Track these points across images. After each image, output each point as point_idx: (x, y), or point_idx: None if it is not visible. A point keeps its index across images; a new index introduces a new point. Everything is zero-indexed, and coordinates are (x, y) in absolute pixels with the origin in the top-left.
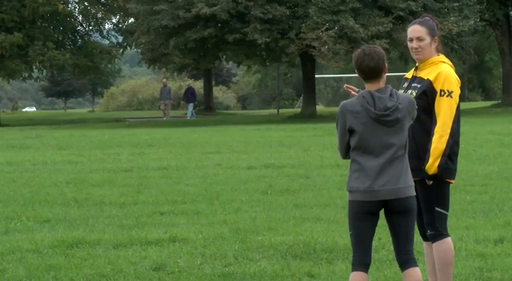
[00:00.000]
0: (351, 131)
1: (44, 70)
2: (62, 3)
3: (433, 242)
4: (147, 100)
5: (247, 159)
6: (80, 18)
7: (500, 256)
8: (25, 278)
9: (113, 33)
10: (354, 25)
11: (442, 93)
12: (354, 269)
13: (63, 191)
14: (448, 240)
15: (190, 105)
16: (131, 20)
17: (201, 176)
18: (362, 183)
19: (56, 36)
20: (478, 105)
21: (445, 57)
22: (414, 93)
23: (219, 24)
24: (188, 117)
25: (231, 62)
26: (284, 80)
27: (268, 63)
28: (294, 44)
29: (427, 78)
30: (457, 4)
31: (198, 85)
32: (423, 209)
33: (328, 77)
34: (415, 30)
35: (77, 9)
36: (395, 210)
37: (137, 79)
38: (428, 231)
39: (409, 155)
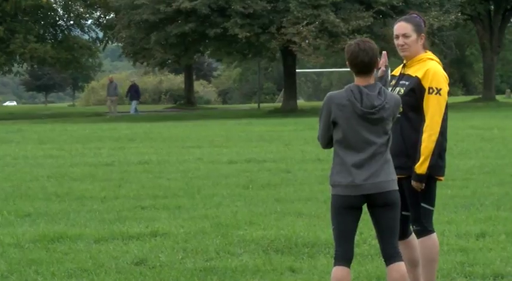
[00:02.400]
0: (334, 124)
1: (25, 64)
2: None
3: (418, 238)
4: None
5: (228, 153)
6: (61, 12)
7: (482, 251)
8: (6, 273)
9: (94, 28)
10: (334, 19)
11: (431, 90)
12: (336, 264)
13: (44, 185)
14: (434, 236)
15: (134, 103)
16: (112, 15)
17: (182, 170)
18: (344, 177)
19: (37, 30)
20: (459, 99)
21: (432, 54)
22: (402, 91)
23: (200, 19)
24: (131, 113)
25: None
26: (265, 74)
27: (249, 59)
28: (274, 39)
29: (415, 76)
30: None
31: (179, 79)
32: (409, 205)
33: (309, 72)
34: (401, 27)
35: (58, 3)
36: (378, 204)
37: (118, 73)
38: (414, 226)
39: (397, 152)
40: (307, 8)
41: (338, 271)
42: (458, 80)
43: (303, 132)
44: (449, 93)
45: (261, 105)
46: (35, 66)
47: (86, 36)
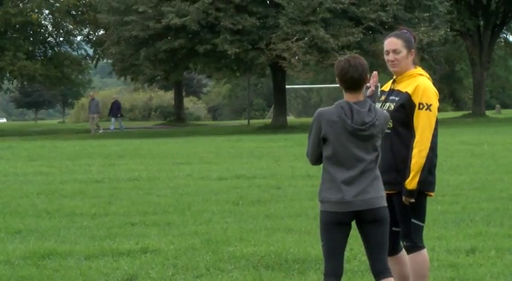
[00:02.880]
0: (324, 140)
1: (15, 81)
2: (36, 13)
3: (408, 254)
4: None
5: (218, 170)
6: (51, 29)
7: (472, 267)
8: None
9: (83, 45)
10: (324, 35)
11: (421, 106)
12: (325, 280)
13: (34, 202)
14: (424, 252)
15: (113, 120)
16: (102, 31)
17: (172, 187)
18: (334, 194)
19: (27, 47)
20: (448, 115)
21: (422, 69)
22: (392, 106)
23: (190, 35)
24: (111, 129)
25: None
26: (255, 90)
27: (238, 75)
28: (264, 55)
29: (406, 91)
30: (428, 14)
31: (169, 96)
32: (399, 221)
33: (298, 88)
34: (391, 42)
35: (47, 20)
36: (367, 220)
37: (108, 90)
38: (404, 242)
39: (387, 168)
40: (296, 23)
41: None
42: (448, 96)
43: (293, 149)
44: (439, 109)
45: (251, 121)
46: (25, 83)
47: (76, 53)
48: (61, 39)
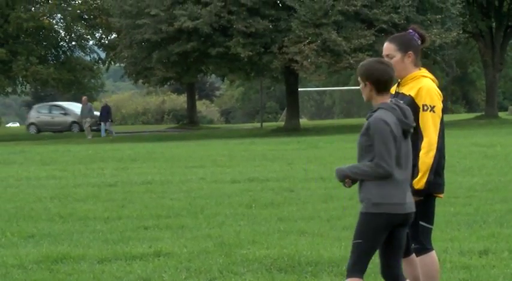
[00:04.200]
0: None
1: (28, 85)
2: (47, 18)
3: (417, 256)
4: (130, 115)
5: (231, 173)
6: (63, 33)
7: (485, 268)
8: None
9: (95, 49)
10: (336, 38)
11: (425, 108)
12: (352, 276)
13: (47, 206)
14: (432, 254)
15: (102, 125)
16: (114, 35)
17: (185, 190)
18: (394, 195)
19: (39, 51)
20: (461, 117)
21: (426, 71)
22: None
23: (202, 38)
24: (102, 135)
25: (214, 76)
26: (267, 93)
27: (251, 78)
28: (276, 59)
29: (409, 94)
30: (440, 16)
31: (182, 99)
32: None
33: (311, 90)
34: (385, 47)
35: (59, 25)
36: (402, 224)
37: (120, 94)
38: (413, 245)
39: None
40: (308, 27)
41: None
42: (461, 98)
43: (306, 151)
44: (451, 111)
45: (264, 124)
46: (38, 87)
47: (88, 58)
48: (73, 43)
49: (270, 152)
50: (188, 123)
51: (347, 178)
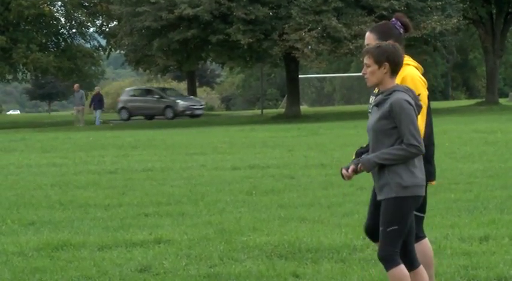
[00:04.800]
0: None
1: (28, 73)
2: (48, 5)
3: None
4: None
5: (231, 160)
6: (63, 21)
7: (485, 254)
8: None
9: (96, 36)
10: (336, 25)
11: None
12: (395, 264)
13: (47, 193)
14: (425, 241)
15: (98, 112)
16: (114, 23)
17: (185, 177)
18: (421, 177)
19: (40, 39)
20: (462, 103)
21: (410, 58)
22: None
23: (202, 25)
24: (97, 124)
25: (214, 63)
26: (268, 80)
27: (251, 65)
28: (277, 46)
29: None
30: (440, 3)
31: (182, 86)
32: None
33: (312, 77)
34: (366, 37)
35: (59, 12)
36: (417, 206)
37: (121, 81)
38: None
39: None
40: (309, 13)
41: (404, 269)
42: (461, 84)
43: (306, 138)
44: (452, 97)
45: (264, 111)
46: (39, 75)
47: (88, 45)
48: (74, 31)
49: (270, 139)
50: None
51: (377, 166)
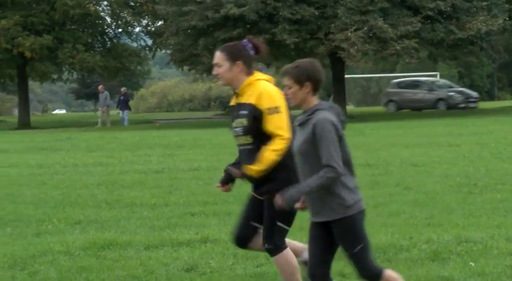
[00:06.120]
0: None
1: (74, 72)
2: (93, 5)
3: (272, 256)
4: (177, 101)
5: None
6: (109, 20)
7: None
8: (56, 280)
9: (142, 36)
10: (382, 25)
11: (271, 111)
12: (384, 273)
13: (94, 193)
14: (287, 251)
15: (125, 113)
16: (160, 22)
17: None
18: (357, 190)
19: (86, 38)
20: (507, 104)
21: (260, 73)
22: (245, 122)
23: (248, 25)
24: (125, 124)
25: (260, 63)
26: None
27: None
28: (323, 45)
29: (249, 102)
30: (486, 3)
31: (228, 86)
32: (265, 224)
33: (358, 77)
34: (215, 56)
35: (105, 12)
36: None
37: (167, 80)
38: (266, 245)
39: (262, 177)
40: (355, 13)
41: (392, 272)
42: (507, 84)
43: (352, 138)
44: (498, 98)
45: None
46: (85, 74)
47: (135, 44)
48: (119, 30)
49: None
50: None
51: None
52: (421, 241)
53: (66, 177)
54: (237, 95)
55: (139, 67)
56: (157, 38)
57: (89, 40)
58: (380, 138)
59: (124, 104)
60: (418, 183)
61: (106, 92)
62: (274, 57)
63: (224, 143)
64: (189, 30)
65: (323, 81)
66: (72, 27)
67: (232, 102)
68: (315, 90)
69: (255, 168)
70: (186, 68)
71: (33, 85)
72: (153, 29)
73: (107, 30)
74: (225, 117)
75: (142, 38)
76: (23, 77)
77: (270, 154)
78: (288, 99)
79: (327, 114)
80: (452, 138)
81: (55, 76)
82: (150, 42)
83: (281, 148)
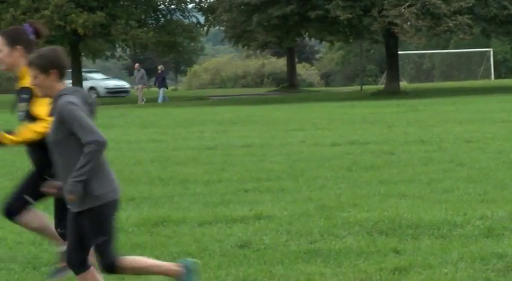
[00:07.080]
0: None
1: (128, 49)
2: None
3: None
4: (230, 78)
5: (331, 136)
6: None
7: None
8: None
9: (195, 12)
10: (436, 1)
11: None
12: (123, 269)
13: (147, 169)
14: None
15: (161, 90)
16: None
17: (285, 153)
18: (111, 179)
19: (139, 14)
20: None
21: None
22: (26, 106)
23: (301, 1)
24: (159, 101)
25: (313, 39)
26: (367, 56)
27: (351, 40)
28: (376, 22)
29: (29, 87)
30: None
31: (281, 62)
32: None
33: (411, 53)
34: None
35: None
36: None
37: (220, 57)
38: (59, 230)
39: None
40: None
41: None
42: None
43: (406, 114)
44: None
45: (364, 87)
46: (138, 51)
47: (187, 21)
48: (172, 6)
49: (370, 115)
50: (288, 86)
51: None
52: (475, 217)
53: (119, 153)
54: (19, 79)
55: (192, 44)
56: (210, 14)
57: (142, 16)
58: (433, 115)
59: (161, 82)
60: (471, 159)
61: (142, 70)
62: (329, 33)
63: (277, 120)
64: (242, 7)
65: (67, 67)
66: (125, 3)
67: (16, 87)
68: (61, 76)
69: (12, 138)
70: (240, 44)
71: (86, 62)
72: (206, 5)
73: (160, 7)
74: (279, 94)
75: (194, 15)
76: (76, 54)
77: (29, 132)
78: (35, 89)
79: (68, 97)
80: (505, 115)
81: (108, 53)
82: (202, 19)
83: (41, 131)
